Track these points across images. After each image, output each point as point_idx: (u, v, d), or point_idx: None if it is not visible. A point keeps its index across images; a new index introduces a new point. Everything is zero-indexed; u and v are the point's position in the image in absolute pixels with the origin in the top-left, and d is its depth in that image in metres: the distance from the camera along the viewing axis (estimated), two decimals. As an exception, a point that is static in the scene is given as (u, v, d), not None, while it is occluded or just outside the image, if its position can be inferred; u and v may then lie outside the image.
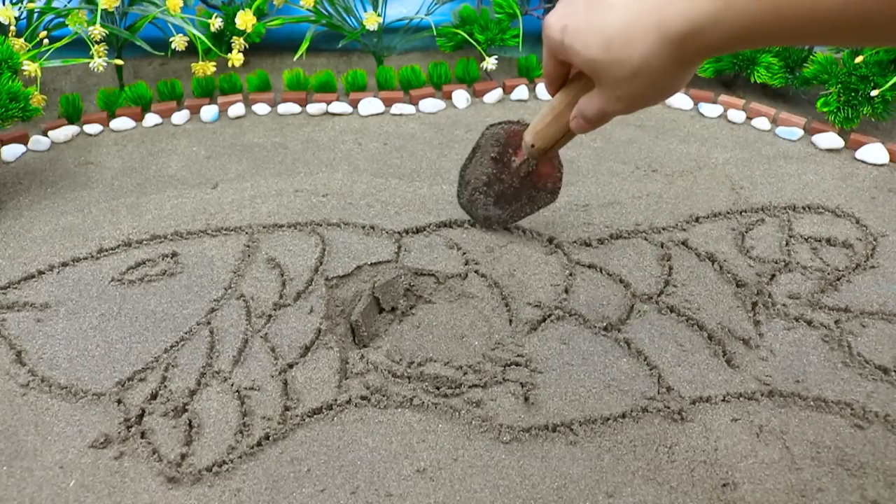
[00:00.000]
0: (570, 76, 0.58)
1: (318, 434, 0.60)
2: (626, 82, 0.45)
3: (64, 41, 1.03)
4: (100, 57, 1.00)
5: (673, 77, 0.44)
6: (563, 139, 0.66)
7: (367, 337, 0.71)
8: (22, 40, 0.98)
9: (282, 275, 0.76)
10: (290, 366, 0.66)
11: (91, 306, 0.72)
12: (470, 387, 0.63)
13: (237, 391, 0.63)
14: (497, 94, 1.15)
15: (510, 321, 0.71)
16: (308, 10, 1.08)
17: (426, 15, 1.19)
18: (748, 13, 0.38)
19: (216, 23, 1.07)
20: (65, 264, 0.78)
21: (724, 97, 1.12)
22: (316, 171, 0.95)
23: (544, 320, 0.71)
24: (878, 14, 0.34)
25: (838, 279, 0.76)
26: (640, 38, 0.42)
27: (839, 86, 1.01)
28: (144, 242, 0.81)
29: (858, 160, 0.98)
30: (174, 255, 0.79)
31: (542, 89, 1.16)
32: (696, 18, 0.39)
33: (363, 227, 0.83)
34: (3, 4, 1.00)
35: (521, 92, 1.15)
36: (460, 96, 1.14)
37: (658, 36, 0.41)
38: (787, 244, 0.81)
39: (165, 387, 0.63)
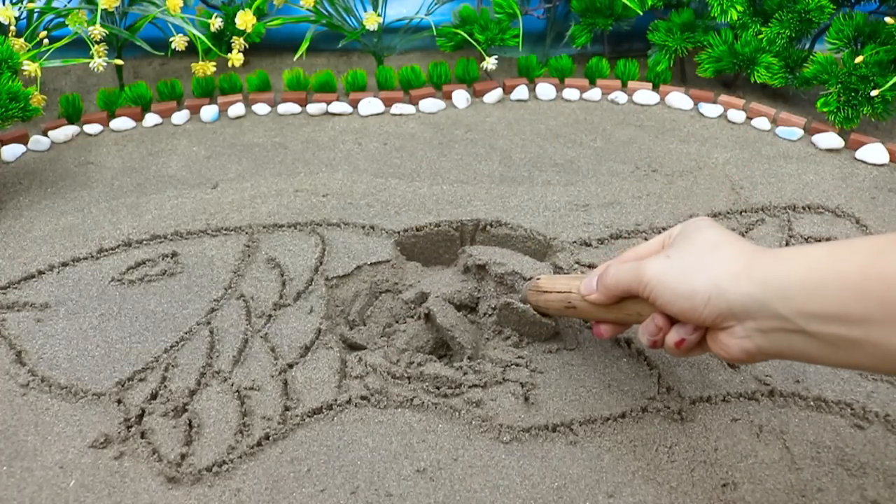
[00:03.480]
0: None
1: (318, 434, 0.60)
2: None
3: (64, 41, 1.03)
4: (100, 57, 1.00)
5: None
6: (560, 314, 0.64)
7: (361, 338, 0.71)
8: (22, 40, 0.98)
9: (282, 275, 0.76)
10: (290, 366, 0.66)
11: (91, 306, 0.72)
12: (470, 387, 0.63)
13: (237, 391, 0.63)
14: (497, 94, 1.15)
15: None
16: (308, 10, 1.08)
17: (426, 15, 1.19)
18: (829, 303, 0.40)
19: (216, 23, 1.07)
20: (65, 264, 0.78)
21: (724, 97, 1.12)
22: (316, 171, 0.95)
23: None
24: None
25: (838, 279, 0.76)
26: (724, 299, 0.45)
27: (839, 86, 1.01)
28: (144, 242, 0.81)
29: (858, 160, 0.99)
30: (174, 255, 0.79)
31: (542, 89, 1.16)
32: (784, 285, 0.42)
33: (363, 227, 0.83)
34: (3, 4, 1.00)
35: (521, 92, 1.15)
36: (460, 96, 1.14)
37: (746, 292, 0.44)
38: (787, 244, 0.81)
39: (165, 387, 0.64)
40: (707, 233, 0.49)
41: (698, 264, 0.47)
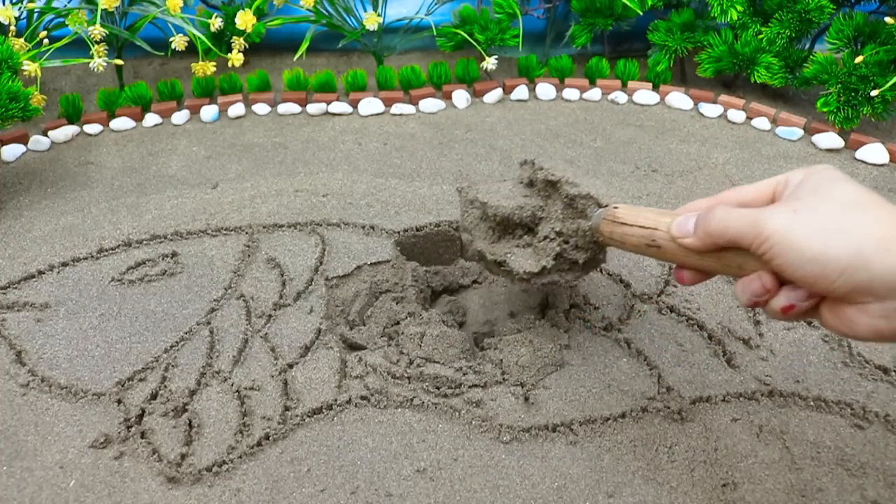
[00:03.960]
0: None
1: (318, 434, 0.60)
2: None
3: (64, 41, 1.03)
4: (100, 57, 1.00)
5: None
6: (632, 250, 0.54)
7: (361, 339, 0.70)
8: (22, 40, 0.98)
9: (282, 275, 0.76)
10: (290, 366, 0.66)
11: (91, 306, 0.72)
12: (470, 387, 0.63)
13: (237, 391, 0.63)
14: (497, 94, 1.15)
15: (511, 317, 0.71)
16: (308, 10, 1.08)
17: (426, 15, 1.19)
18: None
19: (216, 23, 1.07)
20: (65, 264, 0.78)
21: (724, 97, 1.12)
22: (316, 171, 0.95)
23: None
24: None
25: (838, 279, 0.76)
26: (868, 267, 0.38)
27: (839, 86, 1.01)
28: (144, 242, 0.81)
29: (858, 160, 0.99)
30: (174, 255, 0.79)
31: (542, 89, 1.15)
32: None
33: (363, 227, 0.83)
34: (3, 4, 1.00)
35: (521, 92, 1.15)
36: (460, 96, 1.14)
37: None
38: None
39: (165, 387, 0.63)
40: (846, 187, 0.41)
41: (837, 224, 0.38)
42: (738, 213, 0.43)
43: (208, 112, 1.10)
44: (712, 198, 0.49)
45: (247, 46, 1.10)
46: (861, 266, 0.37)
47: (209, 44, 1.09)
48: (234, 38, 1.09)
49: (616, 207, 0.55)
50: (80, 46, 1.03)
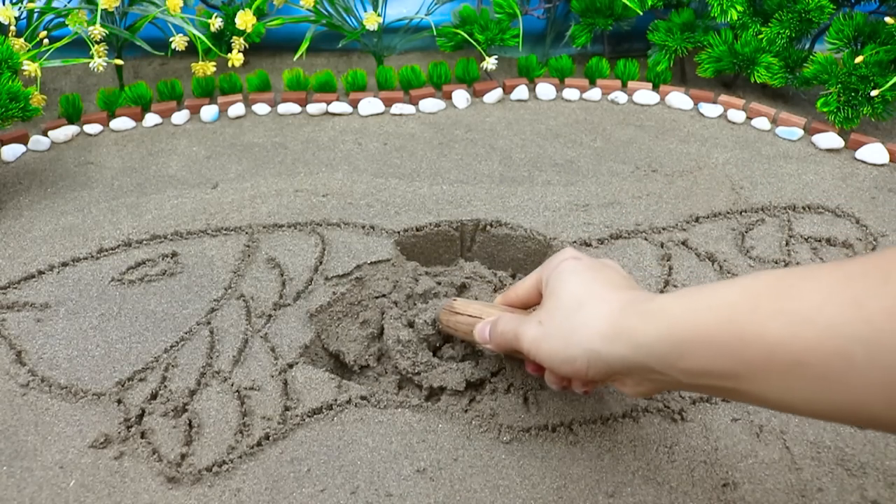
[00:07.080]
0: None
1: (318, 434, 0.60)
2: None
3: (64, 41, 1.03)
4: (100, 57, 1.00)
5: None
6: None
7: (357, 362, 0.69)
8: (22, 40, 0.98)
9: (282, 275, 0.76)
10: (290, 366, 0.66)
11: (91, 306, 0.72)
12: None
13: (237, 391, 0.63)
14: (497, 93, 1.15)
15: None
16: (308, 10, 1.08)
17: (426, 15, 1.19)
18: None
19: (216, 23, 1.07)
20: (65, 264, 0.78)
21: (724, 97, 1.12)
22: (316, 171, 0.95)
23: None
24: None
25: (838, 279, 0.76)
26: (603, 365, 0.46)
27: (839, 86, 1.01)
28: (144, 242, 0.81)
29: (858, 160, 0.99)
30: (174, 255, 0.79)
31: (542, 89, 1.16)
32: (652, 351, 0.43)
33: (363, 227, 0.83)
34: (3, 4, 1.00)
35: (521, 92, 1.15)
36: (460, 96, 1.14)
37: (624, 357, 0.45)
38: (787, 244, 0.81)
39: (165, 387, 0.64)
40: (569, 285, 0.49)
41: (568, 327, 0.47)
42: (509, 326, 0.53)
43: (208, 112, 1.10)
44: (503, 295, 0.60)
45: (247, 46, 1.10)
46: (598, 359, 0.45)
47: (209, 44, 1.09)
48: (234, 38, 1.09)
49: (454, 300, 0.65)
50: (80, 46, 1.03)
